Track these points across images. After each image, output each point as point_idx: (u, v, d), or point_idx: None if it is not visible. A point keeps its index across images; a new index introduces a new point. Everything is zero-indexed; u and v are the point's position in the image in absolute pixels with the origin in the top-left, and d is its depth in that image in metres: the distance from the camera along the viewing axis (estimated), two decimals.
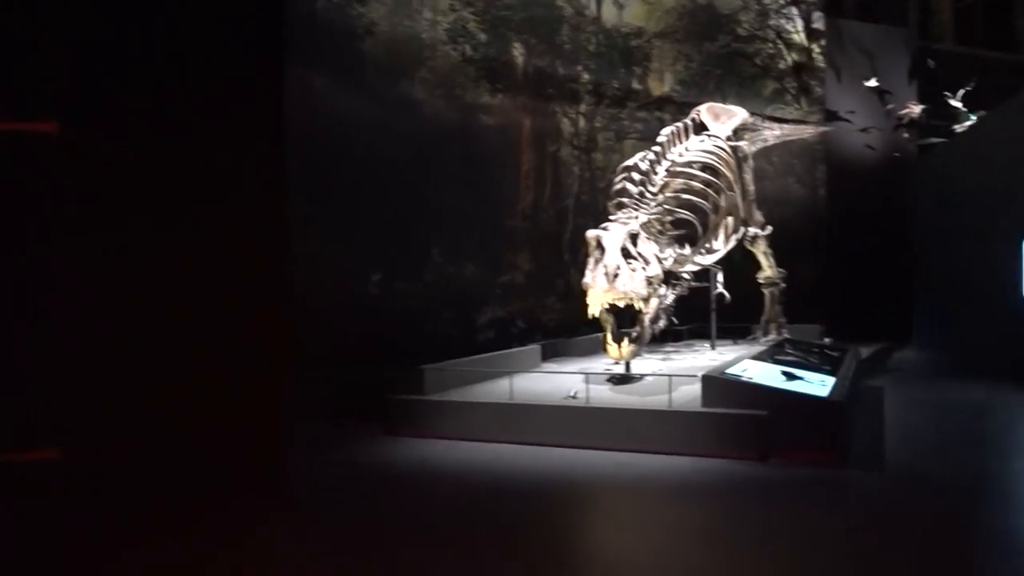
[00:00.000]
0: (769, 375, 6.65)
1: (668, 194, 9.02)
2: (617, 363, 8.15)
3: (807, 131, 14.60)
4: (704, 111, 10.55)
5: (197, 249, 5.74)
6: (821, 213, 15.67)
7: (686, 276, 9.61)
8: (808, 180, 15.82)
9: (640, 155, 9.50)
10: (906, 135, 15.62)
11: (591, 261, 7.90)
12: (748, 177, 10.86)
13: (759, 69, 15.53)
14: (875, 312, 14.90)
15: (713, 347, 11.04)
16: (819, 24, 15.82)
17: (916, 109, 15.54)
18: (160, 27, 5.95)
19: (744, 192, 10.60)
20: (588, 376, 7.26)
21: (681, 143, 9.85)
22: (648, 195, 8.90)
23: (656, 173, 9.17)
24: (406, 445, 6.88)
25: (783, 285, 11.57)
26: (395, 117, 12.47)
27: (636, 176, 9.01)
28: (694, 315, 12.22)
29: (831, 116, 15.94)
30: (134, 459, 5.26)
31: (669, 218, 8.97)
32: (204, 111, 5.98)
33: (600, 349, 8.68)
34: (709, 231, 9.26)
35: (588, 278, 7.66)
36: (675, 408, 6.30)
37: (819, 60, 15.82)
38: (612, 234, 7.89)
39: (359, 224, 11.88)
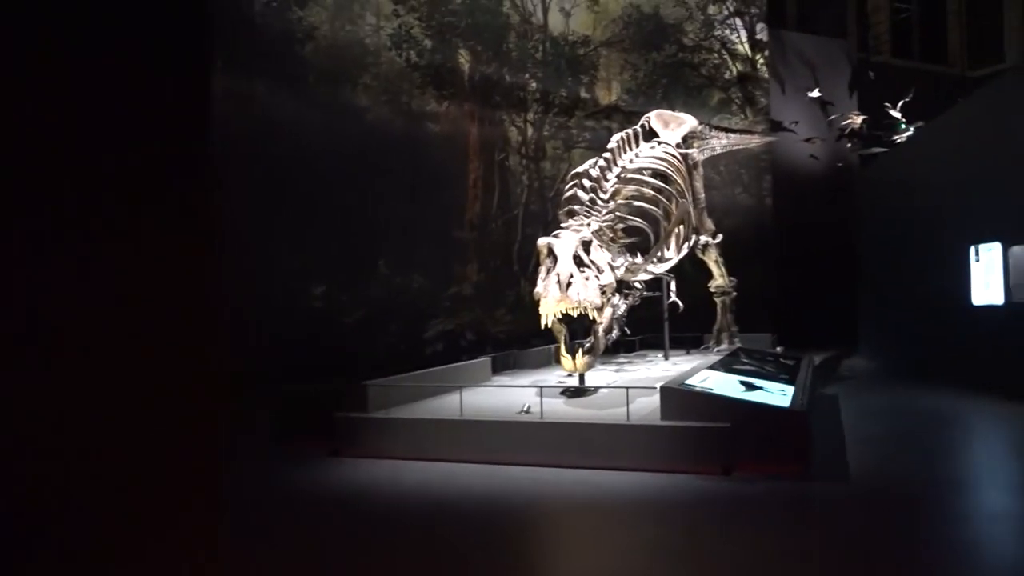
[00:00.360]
0: (728, 385, 6.40)
1: (619, 201, 8.77)
2: (571, 375, 7.84)
3: (753, 141, 14.55)
4: (654, 118, 10.36)
5: (120, 261, 5.30)
6: (768, 222, 15.65)
7: (639, 285, 9.37)
8: (755, 190, 15.80)
9: (591, 162, 9.25)
10: (849, 145, 15.73)
11: (543, 270, 7.60)
12: (698, 185, 10.70)
13: (705, 79, 15.49)
14: (823, 321, 14.90)
15: (666, 357, 10.82)
16: (762, 35, 15.86)
17: (857, 120, 15.66)
18: (75, 28, 5.51)
19: (695, 200, 10.42)
20: (541, 389, 6.92)
21: (631, 150, 9.62)
22: (599, 202, 8.64)
23: (607, 180, 8.92)
24: (350, 466, 6.44)
25: (734, 294, 11.42)
26: (339, 124, 12.05)
27: (587, 183, 8.74)
28: (646, 325, 12.02)
29: (776, 126, 15.97)
30: (55, 485, 4.77)
31: (621, 225, 8.72)
32: (124, 115, 5.54)
33: (553, 361, 8.36)
34: (661, 239, 9.03)
35: (540, 287, 7.35)
36: (634, 422, 5.99)
37: (763, 71, 15.85)
38: (564, 242, 7.60)
39: (303, 235, 11.40)
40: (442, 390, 7.70)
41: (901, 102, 15.38)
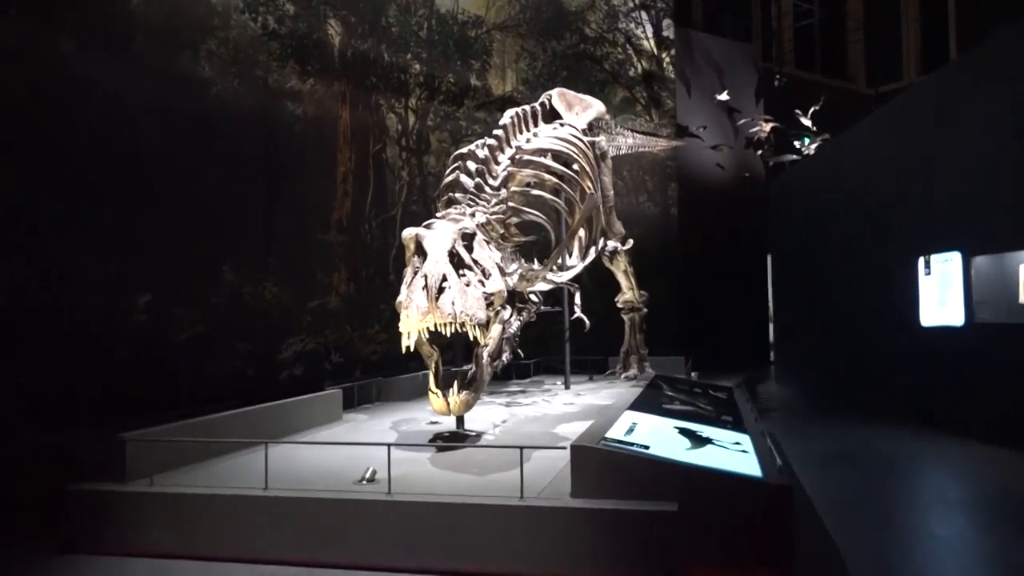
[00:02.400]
0: (666, 438, 4.25)
1: (513, 188, 6.60)
2: (443, 417, 5.58)
3: (660, 144, 12.75)
4: (556, 96, 8.28)
5: None
6: (673, 234, 13.88)
7: (535, 297, 7.20)
8: (660, 198, 14.03)
9: (479, 142, 7.05)
10: (759, 152, 14.16)
11: (408, 271, 5.34)
12: (607, 180, 8.66)
13: (608, 74, 13.62)
14: (732, 341, 13.19)
15: (568, 386, 8.68)
16: (669, 32, 14.17)
17: (767, 127, 14.13)
18: None
19: (603, 197, 8.38)
20: (398, 437, 4.62)
21: (529, 129, 7.49)
22: (487, 189, 6.43)
23: (497, 163, 6.74)
24: (87, 569, 3.93)
25: (645, 311, 9.42)
26: (174, 97, 9.36)
27: (472, 165, 6.54)
28: (542, 346, 9.87)
29: (682, 131, 14.27)
30: None
31: (514, 220, 6.55)
32: None
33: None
34: (565, 238, 6.91)
35: (403, 295, 5.07)
36: (529, 501, 3.76)
37: (669, 71, 14.15)
38: (437, 234, 5.35)
39: (123, 230, 8.65)
40: (254, 443, 5.23)
41: (812, 110, 13.95)
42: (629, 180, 13.66)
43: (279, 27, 10.41)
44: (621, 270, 9.07)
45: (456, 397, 5.01)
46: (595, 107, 8.90)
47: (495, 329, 5.46)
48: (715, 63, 14.99)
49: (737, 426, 5.00)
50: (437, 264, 4.89)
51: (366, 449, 4.58)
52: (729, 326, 13.62)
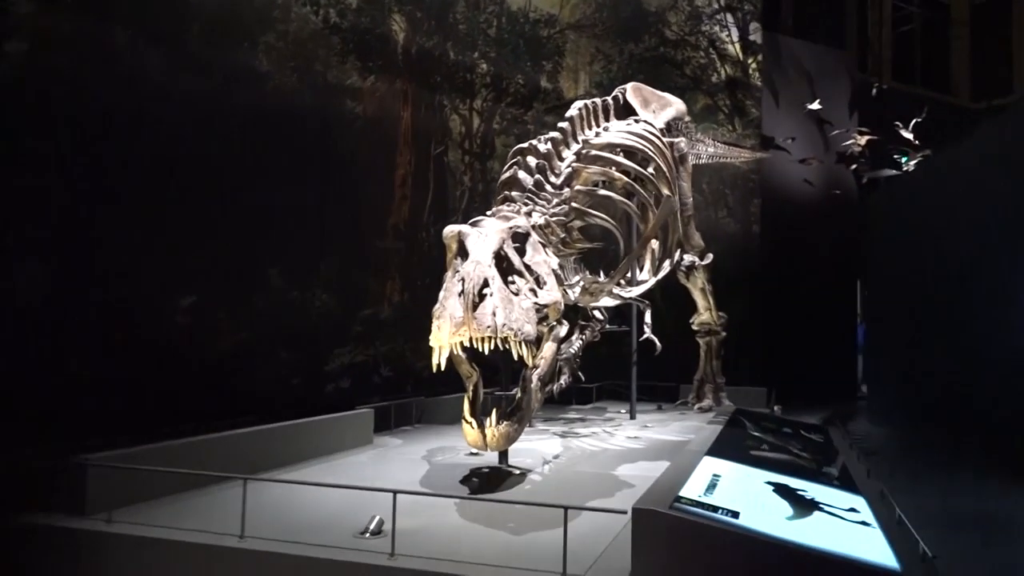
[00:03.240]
0: (757, 498, 3.22)
1: (578, 187, 5.65)
2: (481, 450, 4.63)
3: (743, 155, 11.66)
4: (631, 91, 7.32)
5: None
6: (754, 253, 12.66)
7: (599, 315, 6.23)
8: (741, 214, 12.85)
9: (542, 136, 6.15)
10: (853, 168, 12.82)
11: (447, 276, 4.46)
12: (686, 185, 7.63)
13: (689, 80, 12.57)
14: (815, 373, 11.87)
15: (633, 416, 7.63)
16: (756, 36, 13.03)
17: (862, 140, 12.79)
18: None
19: (681, 204, 7.35)
20: (426, 473, 3.72)
21: (598, 125, 6.55)
22: (549, 187, 5.51)
23: (562, 158, 5.82)
24: None
25: (724, 334, 8.31)
26: (227, 93, 8.73)
27: (532, 160, 5.63)
28: (606, 369, 8.85)
29: (768, 143, 13.06)
30: None
31: (578, 223, 5.61)
32: None
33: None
34: (637, 247, 5.91)
35: (439, 304, 4.18)
36: None
37: (755, 77, 12.99)
38: (483, 232, 4.46)
39: (164, 229, 8.03)
40: (229, 477, 4.38)
41: (914, 122, 12.56)
42: (708, 193, 12.55)
43: (341, 21, 9.75)
44: (698, 288, 8.01)
45: (494, 429, 4.08)
46: (674, 105, 7.91)
47: (548, 348, 4.51)
48: (805, 71, 13.74)
49: (846, 483, 3.91)
50: (478, 266, 3.99)
51: (379, 483, 3.68)
52: (813, 356, 12.29)
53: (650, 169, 6.19)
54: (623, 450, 5.69)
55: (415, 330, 10.13)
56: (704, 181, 12.31)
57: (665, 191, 6.21)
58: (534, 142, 5.97)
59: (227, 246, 8.44)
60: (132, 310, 7.38)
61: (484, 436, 4.12)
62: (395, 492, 3.19)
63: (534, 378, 4.46)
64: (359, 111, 9.98)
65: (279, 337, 8.98)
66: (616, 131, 6.33)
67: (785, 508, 3.12)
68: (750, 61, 13.03)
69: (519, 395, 4.34)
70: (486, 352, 3.96)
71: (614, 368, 8.81)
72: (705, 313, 8.25)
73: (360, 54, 9.89)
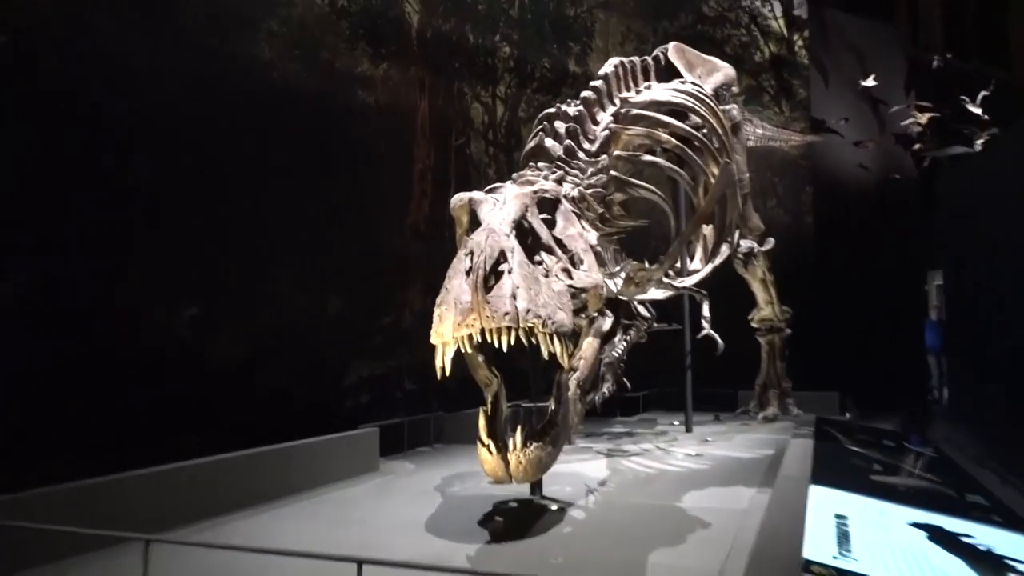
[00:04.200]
0: (911, 552, 2.09)
1: (618, 152, 4.57)
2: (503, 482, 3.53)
3: (793, 139, 10.51)
4: (673, 51, 6.26)
5: None
6: (809, 245, 11.44)
7: (645, 311, 5.13)
8: (792, 204, 11.66)
9: (570, 100, 5.10)
10: (916, 148, 11.52)
11: (459, 256, 3.42)
12: (741, 159, 6.53)
13: (730, 59, 11.37)
14: (881, 375, 10.54)
15: (689, 428, 6.49)
16: (801, 11, 11.87)
17: (923, 118, 11.51)
18: None
19: (737, 181, 6.21)
20: (438, 508, 2.66)
21: (637, 85, 5.48)
22: (582, 155, 4.45)
23: (596, 121, 4.76)
24: None
25: (788, 331, 7.13)
26: (228, 82, 7.86)
27: (561, 126, 4.56)
28: (650, 374, 7.73)
29: (818, 125, 11.85)
30: None
31: (619, 196, 4.54)
32: None
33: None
34: (690, 225, 4.82)
35: (443, 289, 3.12)
36: None
37: (802, 55, 11.82)
38: (501, 199, 3.39)
39: (159, 229, 7.09)
40: (126, 538, 3.34)
41: (981, 95, 11.26)
42: (756, 181, 11.35)
43: (349, 4, 8.86)
44: (758, 278, 6.87)
45: (520, 454, 3.00)
46: (723, 70, 6.83)
47: (588, 346, 3.45)
48: (856, 47, 12.50)
49: (1010, 519, 2.76)
50: (492, 235, 2.95)
51: (373, 526, 2.62)
52: (877, 356, 10.98)
53: (703, 131, 5.11)
54: (684, 472, 4.61)
55: None
56: (751, 168, 11.13)
57: (722, 156, 5.11)
58: (562, 106, 4.93)
59: (230, 248, 7.50)
60: (120, 320, 6.46)
61: (507, 463, 3.07)
62: (360, 562, 2.14)
63: (572, 384, 3.40)
64: (372, 101, 9.06)
65: (291, 348, 8.03)
66: (661, 89, 5.26)
67: (962, 570, 2.02)
68: (795, 38, 11.88)
69: (552, 407, 3.29)
70: (504, 349, 2.92)
71: (663, 373, 7.69)
72: (767, 307, 7.10)
73: (371, 40, 8.98)
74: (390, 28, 9.17)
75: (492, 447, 3.16)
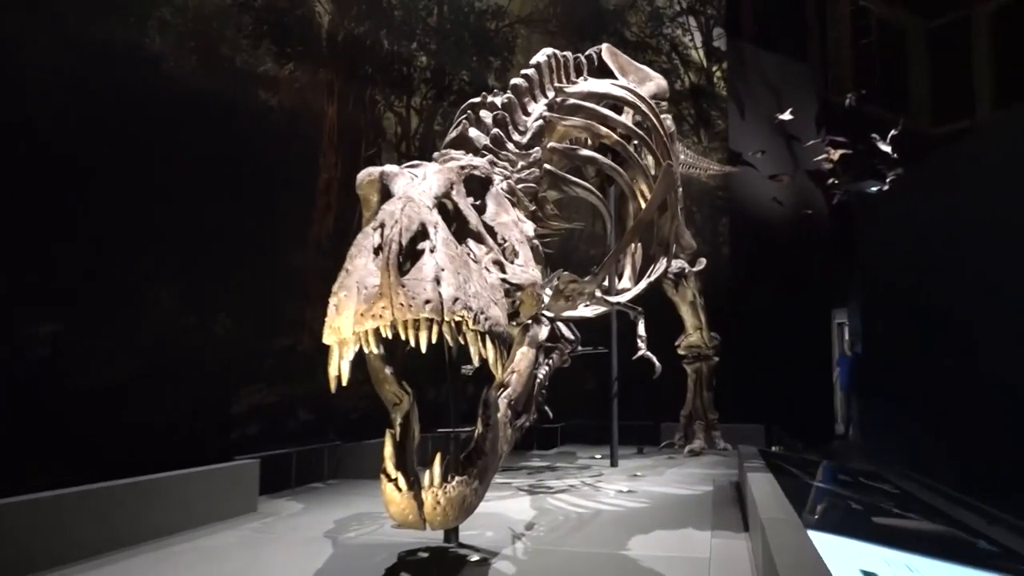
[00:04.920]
0: None
1: (553, 144, 3.98)
2: (414, 528, 2.78)
3: (712, 167, 10.29)
4: (607, 52, 5.79)
5: None
6: (725, 276, 11.17)
7: (569, 332, 4.52)
8: (709, 234, 11.42)
9: (498, 91, 4.49)
10: (830, 182, 11.53)
11: (365, 231, 2.69)
12: (678, 170, 6.04)
13: None
14: (790, 408, 10.27)
15: (614, 462, 5.89)
16: (720, 43, 11.79)
17: (835, 154, 11.56)
18: None
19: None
20: (331, 560, 1.93)
21: (572, 79, 4.94)
22: (512, 146, 3.81)
23: (528, 112, 4.15)
24: None
25: (716, 359, 6.66)
26: (111, 75, 6.90)
27: (488, 115, 3.94)
28: (565, 404, 7.10)
29: (735, 157, 11.72)
30: None
31: (553, 194, 3.93)
32: None
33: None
34: (631, 229, 4.27)
35: (342, 274, 2.36)
36: None
37: (721, 87, 11.72)
38: (421, 174, 2.69)
39: (21, 238, 6.01)
40: None
41: (891, 133, 11.39)
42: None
43: None
44: (688, 301, 6.41)
45: (439, 490, 2.29)
46: (656, 80, 6.40)
47: (522, 357, 2.81)
48: (771, 82, 12.53)
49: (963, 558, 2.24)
50: (411, 205, 2.25)
51: (247, 571, 1.86)
52: (791, 390, 10.75)
53: (644, 130, 4.60)
54: (622, 511, 3.98)
55: None
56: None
57: (664, 160, 4.61)
58: (489, 96, 4.30)
59: (104, 259, 6.48)
60: None
61: (420, 504, 2.35)
62: None
63: (502, 404, 2.73)
64: (275, 103, 8.27)
65: (169, 373, 7.01)
66: (600, 82, 4.73)
67: None
68: (714, 69, 11.78)
69: (479, 430, 2.61)
70: (423, 348, 2.22)
71: (580, 403, 7.09)
72: (695, 333, 6.64)
73: (276, 37, 8.21)
74: (298, 27, 8.43)
75: (401, 482, 2.45)
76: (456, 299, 2.20)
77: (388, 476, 2.50)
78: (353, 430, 7.92)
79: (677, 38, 11.56)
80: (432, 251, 2.27)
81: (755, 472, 3.71)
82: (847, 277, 11.80)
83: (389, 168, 2.86)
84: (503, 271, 2.72)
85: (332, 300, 2.33)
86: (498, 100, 4.29)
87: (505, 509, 4.05)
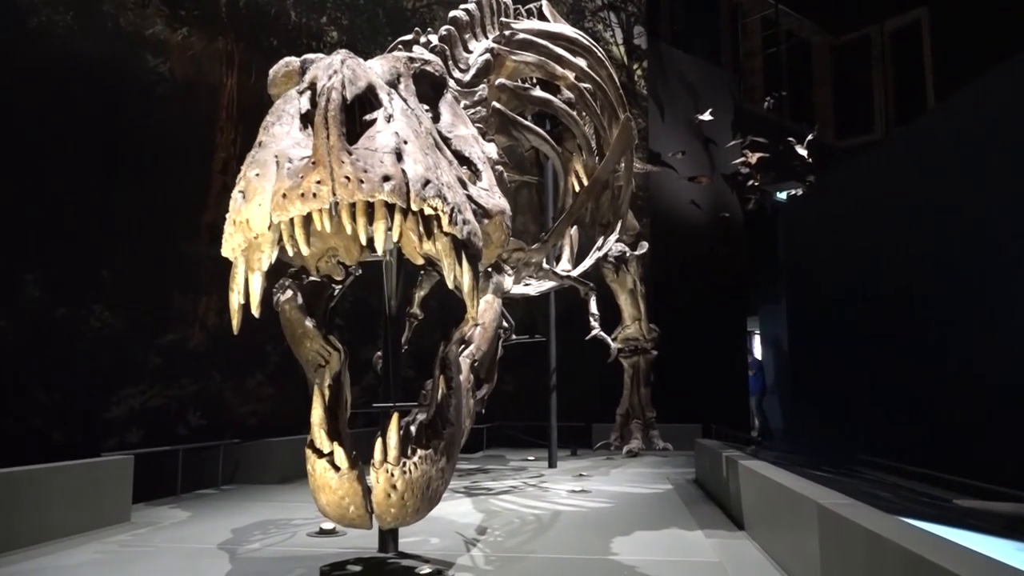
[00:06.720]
0: None
1: (504, 81, 3.35)
2: (355, 526, 2.04)
3: (635, 166, 9.87)
4: (547, 8, 5.21)
5: None
6: (647, 276, 10.81)
7: (504, 320, 3.87)
8: (631, 233, 11.02)
9: (431, 30, 3.84)
10: (751, 183, 11.38)
11: (286, 96, 1.91)
12: None
13: None
14: (708, 407, 9.99)
15: (552, 463, 5.26)
16: (641, 42, 11.51)
17: (753, 157, 11.45)
18: None
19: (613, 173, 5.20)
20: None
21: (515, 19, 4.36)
22: (454, 83, 3.14)
23: (469, 49, 3.52)
24: None
25: (655, 353, 6.16)
26: None
27: (421, 53, 3.22)
28: (490, 401, 6.46)
29: (655, 158, 11.43)
30: None
31: (502, 140, 3.30)
32: None
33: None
34: (587, 188, 3.69)
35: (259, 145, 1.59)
36: None
37: (641, 85, 11.43)
38: (358, 61, 1.95)
39: None
40: None
41: (808, 137, 11.37)
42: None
43: None
44: (627, 288, 5.91)
45: (396, 468, 1.57)
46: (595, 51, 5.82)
47: (488, 307, 2.16)
48: (690, 84, 12.36)
49: None
50: (354, 61, 1.51)
51: None
52: (704, 388, 10.47)
53: (602, 74, 4.05)
54: (586, 512, 3.39)
55: (238, 363, 7.35)
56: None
57: (621, 112, 4.06)
58: (423, 36, 3.65)
59: None
60: None
61: (364, 492, 1.62)
62: None
63: (463, 364, 2.05)
64: (165, 70, 7.35)
65: (37, 370, 5.98)
66: (550, 24, 4.16)
67: None
68: (635, 67, 11.49)
69: (443, 391, 1.92)
70: (379, 249, 1.53)
71: (504, 404, 6.43)
72: (632, 325, 6.13)
73: None
74: None
75: (338, 456, 1.72)
76: (427, 181, 1.53)
77: (318, 451, 1.77)
78: (252, 433, 7.02)
79: (599, 32, 11.20)
80: (389, 120, 1.60)
81: (747, 461, 3.16)
82: (761, 284, 11.72)
83: (313, 56, 2.16)
84: (470, 192, 2.06)
85: (237, 187, 1.61)
86: (433, 38, 3.64)
87: (447, 511, 3.35)
